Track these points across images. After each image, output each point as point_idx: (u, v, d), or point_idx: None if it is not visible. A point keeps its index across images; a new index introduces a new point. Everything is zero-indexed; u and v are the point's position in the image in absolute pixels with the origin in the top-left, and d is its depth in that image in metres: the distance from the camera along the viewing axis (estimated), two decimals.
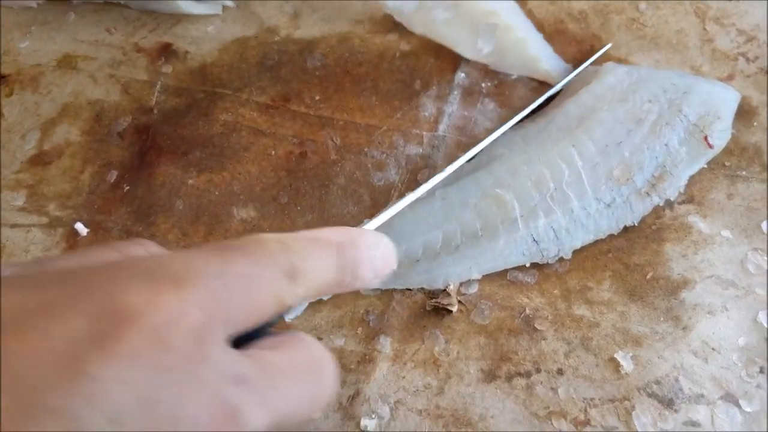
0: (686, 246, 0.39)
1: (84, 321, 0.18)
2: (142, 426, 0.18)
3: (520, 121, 0.42)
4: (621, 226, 0.39)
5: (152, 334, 0.18)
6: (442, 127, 0.45)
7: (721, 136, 0.40)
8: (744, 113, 0.43)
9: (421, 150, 0.44)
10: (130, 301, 0.19)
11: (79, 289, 0.19)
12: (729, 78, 0.44)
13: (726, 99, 0.41)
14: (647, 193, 0.38)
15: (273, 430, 0.23)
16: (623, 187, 0.38)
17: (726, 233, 0.39)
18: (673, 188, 0.39)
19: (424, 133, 0.45)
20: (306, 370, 0.25)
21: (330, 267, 0.26)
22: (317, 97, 0.47)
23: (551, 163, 0.39)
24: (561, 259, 0.38)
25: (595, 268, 0.38)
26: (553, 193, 0.38)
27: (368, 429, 0.34)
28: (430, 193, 0.40)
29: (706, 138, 0.39)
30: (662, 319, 0.36)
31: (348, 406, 0.35)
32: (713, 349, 0.35)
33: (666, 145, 0.39)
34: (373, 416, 0.34)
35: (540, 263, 0.38)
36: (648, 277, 0.38)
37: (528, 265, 0.38)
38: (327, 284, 0.26)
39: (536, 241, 0.37)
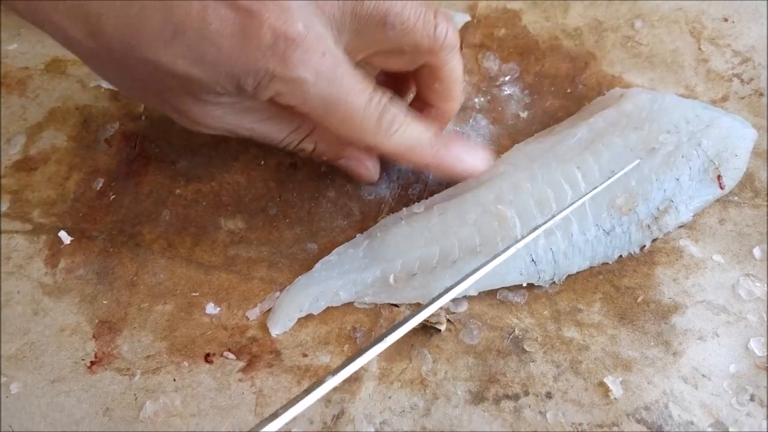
0: (677, 270, 0.38)
1: None
2: None
3: (526, 140, 0.42)
4: (616, 256, 0.38)
5: None
6: None
7: (733, 174, 0.39)
8: None
9: (412, 164, 0.43)
10: None
11: None
12: (723, 99, 0.44)
13: (745, 136, 0.40)
14: (648, 225, 0.38)
15: None
16: (624, 216, 0.37)
17: (718, 258, 0.38)
18: (676, 223, 0.38)
19: None
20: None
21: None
22: None
23: (554, 183, 0.38)
24: (553, 282, 0.38)
25: (585, 289, 0.38)
26: (554, 215, 0.37)
27: None
28: (428, 208, 0.39)
29: (719, 177, 0.38)
30: (652, 343, 0.36)
31: (332, 426, 0.34)
32: (703, 375, 0.35)
33: (677, 179, 0.38)
34: None
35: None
36: (638, 300, 0.37)
37: (525, 285, 0.38)
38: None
39: (534, 262, 0.37)
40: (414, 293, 0.38)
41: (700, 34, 0.47)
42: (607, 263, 0.38)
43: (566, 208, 0.36)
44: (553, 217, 0.36)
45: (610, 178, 0.38)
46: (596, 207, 0.38)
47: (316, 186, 0.43)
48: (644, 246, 0.38)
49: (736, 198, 0.40)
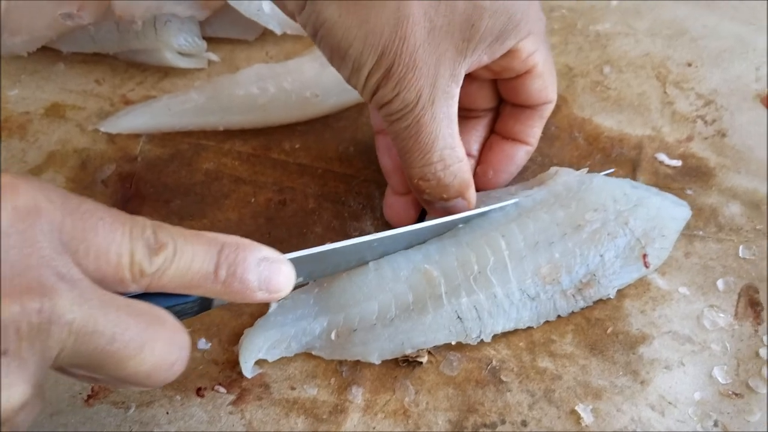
0: (645, 302, 0.40)
1: None
2: None
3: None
4: (542, 321, 0.39)
5: None
6: None
7: (659, 254, 0.40)
8: (701, 174, 0.45)
9: None
10: None
11: None
12: (688, 139, 0.47)
13: (675, 216, 0.41)
14: (573, 295, 0.39)
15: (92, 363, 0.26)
16: (548, 285, 0.39)
17: (683, 290, 0.41)
18: (599, 296, 0.40)
19: None
20: (145, 313, 0.27)
21: (206, 257, 0.29)
22: (297, 146, 0.49)
23: (478, 247, 0.39)
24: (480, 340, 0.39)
25: (558, 321, 0.40)
26: (476, 276, 0.38)
27: None
28: (364, 263, 0.40)
29: (645, 256, 0.40)
30: (621, 372, 0.38)
31: None
32: (670, 402, 0.37)
33: (601, 255, 0.39)
34: None
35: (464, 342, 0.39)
36: (608, 331, 0.40)
37: (453, 343, 0.39)
38: (200, 273, 0.29)
39: (460, 318, 0.38)
40: (354, 350, 0.39)
41: (666, 78, 0.50)
42: None
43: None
44: None
45: (534, 247, 0.39)
46: (520, 272, 0.39)
47: (304, 221, 0.45)
48: (571, 312, 0.40)
49: (701, 233, 0.43)
